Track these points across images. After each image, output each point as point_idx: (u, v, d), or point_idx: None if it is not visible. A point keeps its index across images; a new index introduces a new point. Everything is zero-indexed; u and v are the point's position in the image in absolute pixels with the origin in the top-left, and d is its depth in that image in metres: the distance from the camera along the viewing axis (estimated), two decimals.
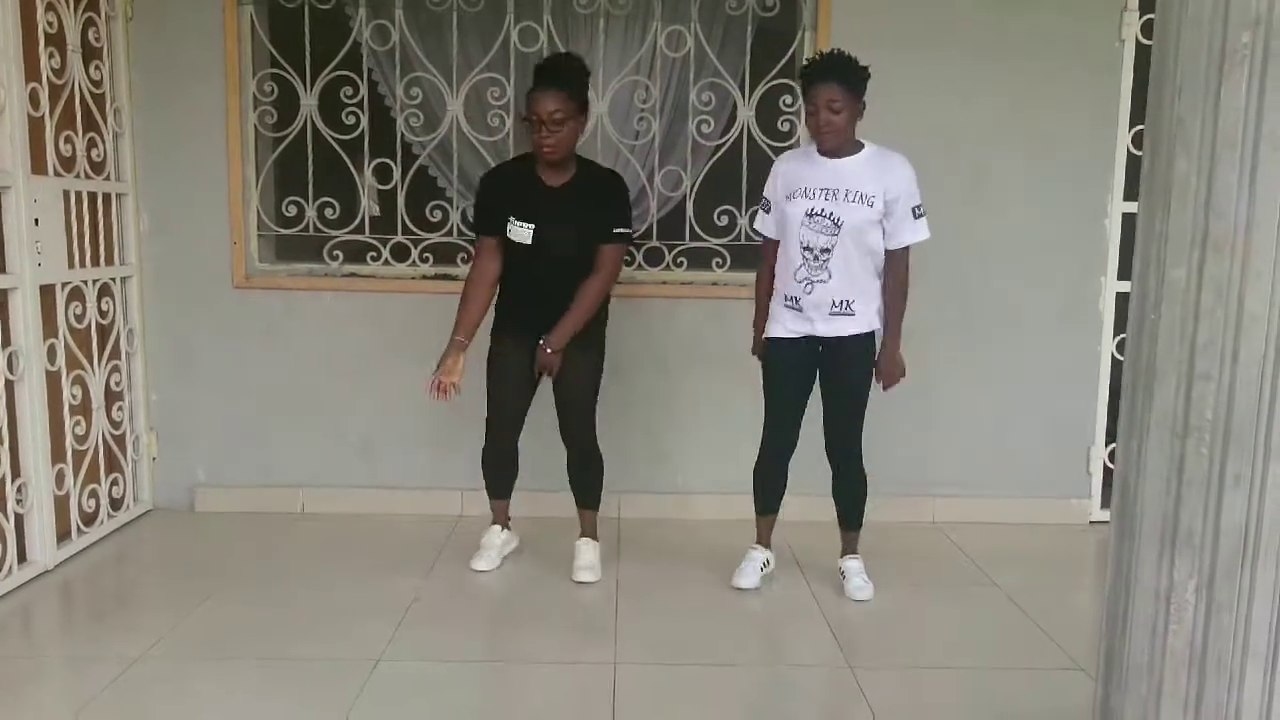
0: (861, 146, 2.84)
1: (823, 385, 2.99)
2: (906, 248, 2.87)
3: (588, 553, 3.20)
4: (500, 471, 3.24)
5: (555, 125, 2.81)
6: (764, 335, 2.99)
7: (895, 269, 2.89)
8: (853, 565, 3.11)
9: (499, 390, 3.10)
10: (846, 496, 3.09)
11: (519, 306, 3.05)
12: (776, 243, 2.95)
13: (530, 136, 2.88)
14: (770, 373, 3.01)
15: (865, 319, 2.89)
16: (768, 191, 2.96)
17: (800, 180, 2.85)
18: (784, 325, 2.93)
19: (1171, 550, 1.35)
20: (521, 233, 2.93)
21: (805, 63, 2.91)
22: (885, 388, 2.96)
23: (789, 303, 2.91)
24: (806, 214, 2.81)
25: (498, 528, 3.28)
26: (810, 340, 2.92)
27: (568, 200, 2.94)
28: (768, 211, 2.96)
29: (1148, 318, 1.37)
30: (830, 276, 2.83)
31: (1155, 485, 1.36)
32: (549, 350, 2.95)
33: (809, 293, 2.86)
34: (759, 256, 3.10)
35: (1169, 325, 1.33)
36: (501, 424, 3.13)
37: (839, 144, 2.79)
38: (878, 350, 2.94)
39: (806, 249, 2.83)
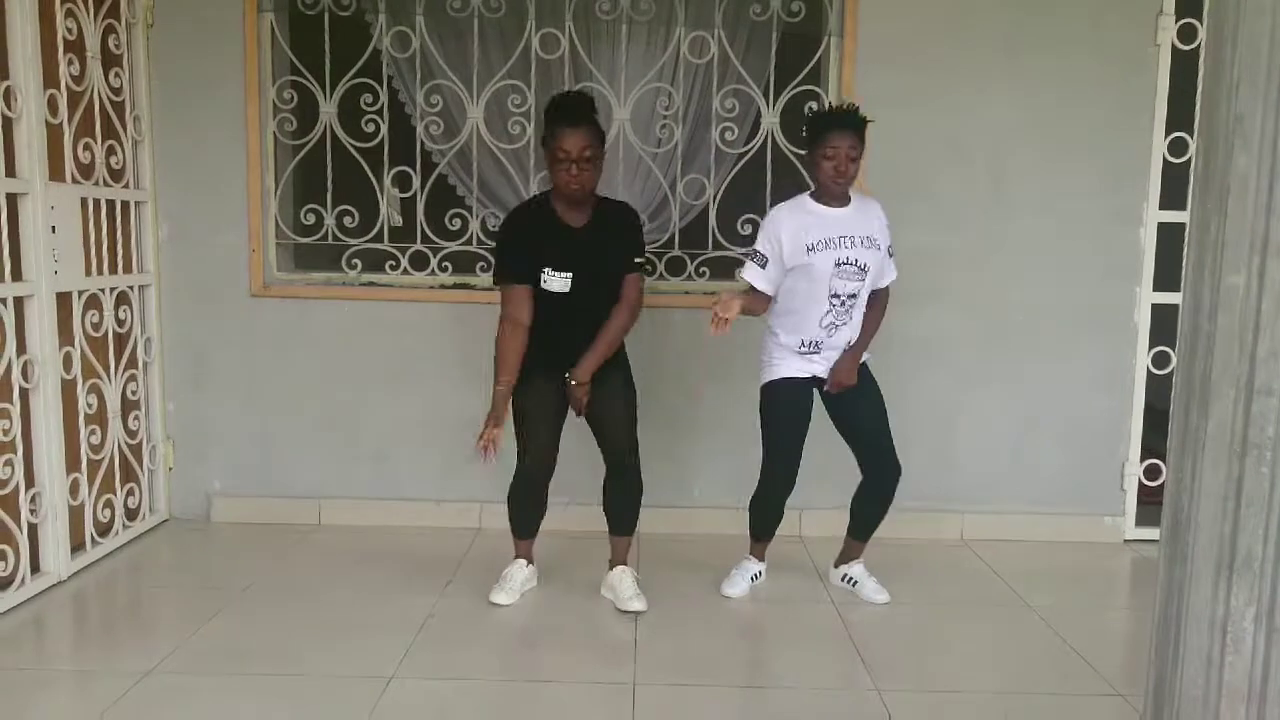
0: (849, 196, 2.92)
1: (847, 416, 3.03)
2: (887, 286, 3.02)
3: (630, 582, 3.02)
4: (531, 510, 3.09)
5: (586, 163, 2.77)
6: (769, 378, 3.00)
7: (880, 304, 3.02)
8: (860, 569, 3.15)
9: (534, 427, 2.97)
10: (878, 508, 3.07)
11: (551, 349, 2.93)
12: (768, 297, 2.94)
13: (554, 172, 2.81)
14: (780, 411, 3.00)
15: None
16: (767, 246, 2.89)
17: (815, 231, 2.86)
18: (793, 367, 2.98)
19: (1229, 576, 1.26)
20: (560, 283, 2.85)
21: (820, 110, 3.07)
22: (830, 390, 2.98)
23: (805, 349, 2.95)
24: (836, 264, 2.85)
25: (522, 562, 3.11)
26: (815, 380, 3.00)
27: (592, 241, 2.88)
28: (763, 266, 2.90)
29: (1202, 328, 1.29)
30: (852, 318, 2.94)
31: (1211, 506, 1.27)
32: (575, 382, 2.88)
33: (832, 336, 2.94)
34: None
35: (1226, 336, 1.25)
36: (537, 461, 3.00)
37: (847, 191, 2.89)
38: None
39: (835, 296, 2.89)
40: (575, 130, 2.76)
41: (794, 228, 2.86)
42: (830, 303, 2.88)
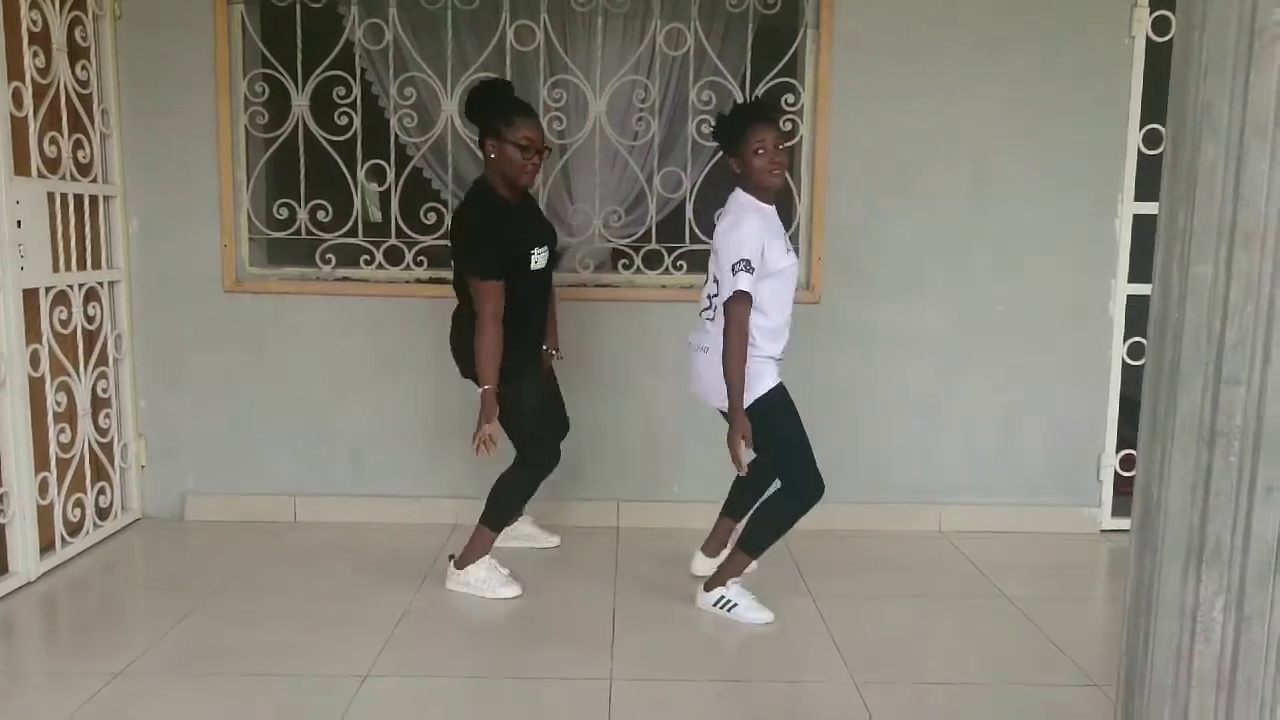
0: None
1: None
2: None
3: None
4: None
5: (542, 154, 2.89)
6: (766, 389, 2.77)
7: None
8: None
9: (546, 422, 3.11)
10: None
11: (532, 343, 3.06)
12: None
13: (510, 161, 2.82)
14: (788, 411, 2.83)
15: None
16: (752, 253, 2.67)
17: (778, 233, 2.78)
18: (774, 375, 2.81)
19: (1198, 565, 1.26)
20: (543, 258, 2.98)
21: (736, 107, 2.88)
22: None
23: (781, 357, 2.83)
24: (792, 263, 2.80)
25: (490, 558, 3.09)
26: None
27: (538, 215, 3.11)
28: (750, 273, 2.67)
29: (1170, 317, 1.29)
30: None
31: (1180, 496, 1.27)
32: (559, 354, 3.24)
33: (790, 334, 2.86)
34: None
35: (1194, 325, 1.25)
36: (559, 440, 3.14)
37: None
38: None
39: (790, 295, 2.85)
40: (533, 120, 2.87)
41: (767, 231, 2.72)
42: (791, 303, 2.83)
